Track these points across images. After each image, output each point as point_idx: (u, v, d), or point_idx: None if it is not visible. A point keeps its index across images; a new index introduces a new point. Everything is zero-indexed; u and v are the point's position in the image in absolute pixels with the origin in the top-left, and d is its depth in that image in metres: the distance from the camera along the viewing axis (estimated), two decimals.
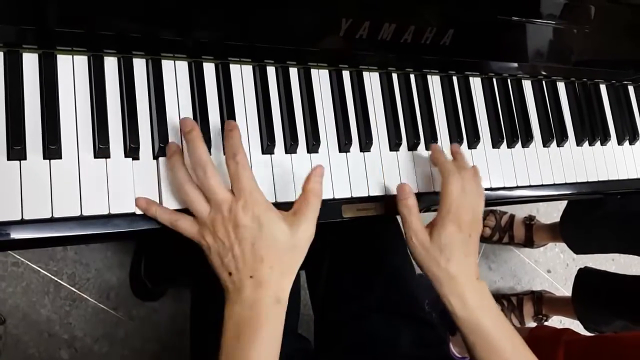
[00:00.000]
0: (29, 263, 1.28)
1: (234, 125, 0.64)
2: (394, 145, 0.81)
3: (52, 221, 0.60)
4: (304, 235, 0.62)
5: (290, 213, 0.63)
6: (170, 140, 0.66)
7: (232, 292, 0.60)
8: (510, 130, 0.90)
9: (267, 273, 0.60)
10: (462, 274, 0.71)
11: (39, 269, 1.29)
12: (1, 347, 1.22)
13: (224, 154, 0.65)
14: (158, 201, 0.64)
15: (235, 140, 0.62)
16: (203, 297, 0.85)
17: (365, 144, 0.79)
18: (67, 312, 1.31)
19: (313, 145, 0.75)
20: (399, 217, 0.79)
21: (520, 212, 1.85)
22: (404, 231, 0.74)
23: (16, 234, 0.58)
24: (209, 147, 0.68)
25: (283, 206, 0.64)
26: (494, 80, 0.92)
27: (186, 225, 0.61)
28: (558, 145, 0.95)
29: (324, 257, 0.95)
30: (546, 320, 1.76)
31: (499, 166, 0.88)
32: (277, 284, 0.61)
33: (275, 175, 0.72)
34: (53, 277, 1.31)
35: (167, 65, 0.69)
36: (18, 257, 1.27)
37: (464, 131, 0.87)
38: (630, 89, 1.06)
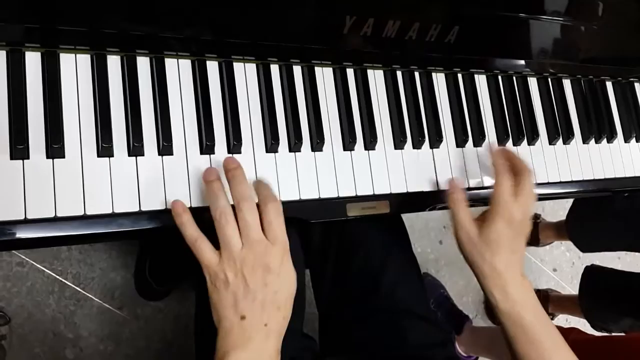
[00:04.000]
0: (33, 263, 1.28)
1: (262, 178, 0.67)
2: (399, 143, 0.80)
3: (55, 220, 0.59)
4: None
5: None
6: (173, 141, 0.66)
7: (237, 336, 0.59)
8: (516, 127, 0.90)
9: (279, 323, 0.61)
10: (508, 270, 0.72)
11: (43, 268, 1.29)
12: (7, 347, 1.23)
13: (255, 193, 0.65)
14: (165, 199, 0.64)
15: (268, 189, 0.63)
16: (207, 297, 0.85)
17: (370, 143, 0.78)
18: (72, 311, 1.31)
19: (317, 143, 0.75)
20: (406, 215, 0.79)
21: None
22: (452, 224, 0.75)
23: (19, 234, 0.58)
24: (214, 148, 0.68)
25: (286, 205, 0.64)
26: (500, 77, 0.91)
27: (207, 251, 0.60)
28: (564, 143, 0.94)
29: (329, 256, 0.95)
30: (552, 319, 1.75)
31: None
32: (281, 334, 0.62)
33: (280, 173, 0.72)
34: (58, 276, 1.31)
35: (170, 63, 0.69)
36: (23, 257, 1.28)
37: (469, 129, 0.86)
38: (637, 86, 1.05)
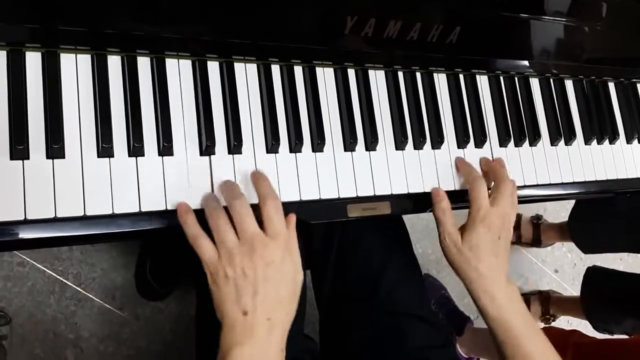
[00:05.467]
0: (34, 263, 1.28)
1: (262, 175, 0.67)
2: (400, 144, 0.80)
3: (55, 221, 0.59)
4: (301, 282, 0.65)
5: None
6: (174, 141, 0.66)
7: (240, 332, 0.59)
8: (518, 129, 0.89)
9: (283, 317, 0.61)
10: (492, 273, 0.74)
11: (44, 268, 1.29)
12: (7, 347, 1.23)
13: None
14: (165, 199, 0.64)
15: (267, 186, 0.64)
16: (208, 297, 0.84)
17: (371, 143, 0.78)
18: (73, 312, 1.31)
19: (318, 144, 0.74)
20: (407, 216, 0.79)
21: (527, 211, 1.84)
22: (438, 232, 0.77)
23: (20, 234, 0.58)
24: (214, 148, 0.68)
25: (286, 206, 0.64)
26: (501, 78, 0.91)
27: (207, 248, 0.60)
28: (566, 144, 0.94)
29: (330, 257, 0.95)
30: (554, 321, 1.74)
31: (506, 165, 0.87)
32: (286, 327, 0.61)
33: (280, 174, 0.72)
34: (58, 277, 1.31)
35: (171, 64, 0.69)
36: (23, 257, 1.27)
37: (470, 130, 0.86)
38: (639, 87, 1.05)
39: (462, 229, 0.76)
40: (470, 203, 0.76)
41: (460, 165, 0.83)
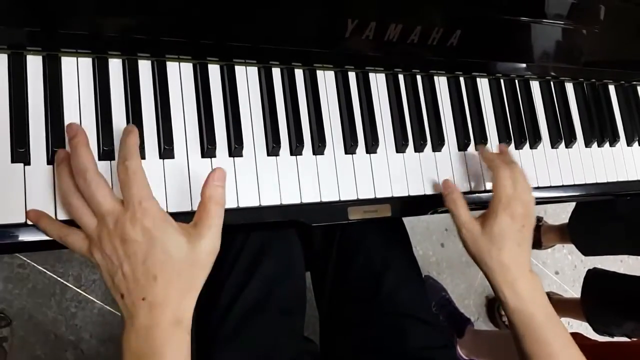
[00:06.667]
0: (35, 265, 1.28)
1: (131, 129, 0.59)
2: (401, 147, 0.80)
3: None
4: (206, 249, 0.57)
5: (191, 225, 0.58)
6: (174, 144, 0.66)
7: (126, 318, 0.54)
8: (518, 131, 0.90)
9: (162, 293, 0.54)
10: (515, 264, 0.72)
11: (45, 270, 1.29)
12: (8, 349, 1.23)
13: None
14: (166, 202, 0.64)
15: (130, 144, 0.57)
16: (206, 299, 0.85)
17: (372, 146, 0.78)
18: (73, 313, 1.31)
19: (319, 147, 0.74)
20: (407, 218, 0.79)
21: None
22: (454, 224, 0.75)
23: (20, 237, 0.58)
24: (215, 151, 0.68)
25: (287, 208, 0.64)
26: (502, 81, 0.91)
27: (76, 241, 0.56)
28: (566, 147, 0.94)
29: (330, 258, 0.95)
30: None
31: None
32: (175, 303, 0.55)
33: (281, 177, 0.72)
34: (59, 278, 1.31)
35: (171, 67, 0.69)
36: (24, 259, 1.28)
37: (471, 133, 0.86)
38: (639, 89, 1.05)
39: (483, 218, 0.74)
40: (495, 191, 0.74)
41: (482, 153, 0.83)
